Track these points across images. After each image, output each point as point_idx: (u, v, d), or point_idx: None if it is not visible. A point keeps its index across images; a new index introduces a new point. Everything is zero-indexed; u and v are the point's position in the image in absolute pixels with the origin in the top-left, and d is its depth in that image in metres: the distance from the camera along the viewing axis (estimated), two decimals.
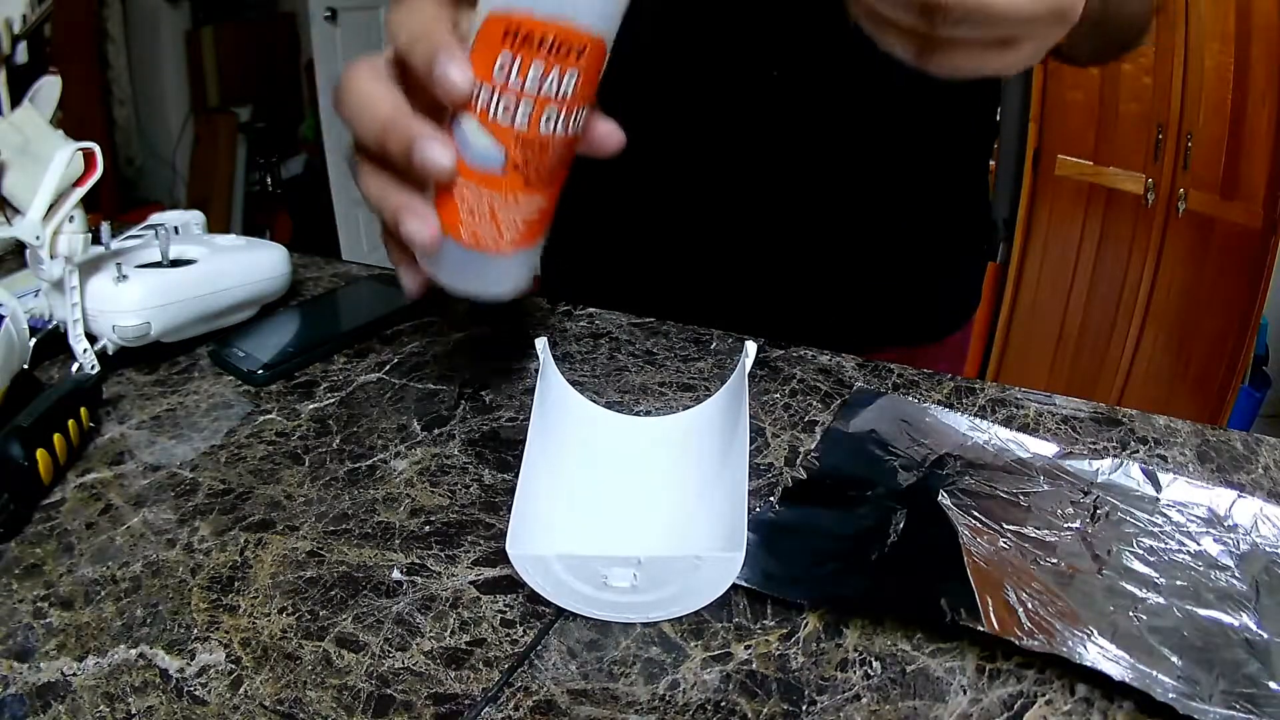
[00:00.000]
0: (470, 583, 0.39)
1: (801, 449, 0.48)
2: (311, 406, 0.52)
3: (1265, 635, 0.35)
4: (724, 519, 0.40)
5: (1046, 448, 0.47)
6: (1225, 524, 0.42)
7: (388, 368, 0.57)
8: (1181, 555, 0.40)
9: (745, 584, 0.37)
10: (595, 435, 0.48)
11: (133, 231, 0.63)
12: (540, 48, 0.37)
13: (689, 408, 0.50)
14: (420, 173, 0.39)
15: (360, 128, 0.41)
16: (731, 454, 0.43)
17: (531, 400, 0.45)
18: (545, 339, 0.47)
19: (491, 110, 0.38)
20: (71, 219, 0.52)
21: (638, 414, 0.51)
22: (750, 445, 0.44)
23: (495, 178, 0.40)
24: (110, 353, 0.55)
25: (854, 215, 0.66)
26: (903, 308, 0.70)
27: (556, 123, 0.39)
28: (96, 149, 0.53)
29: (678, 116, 0.66)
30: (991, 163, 2.00)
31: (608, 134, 0.43)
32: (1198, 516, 0.42)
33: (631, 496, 0.44)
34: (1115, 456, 0.47)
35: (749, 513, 0.41)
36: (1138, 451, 0.48)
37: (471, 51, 0.38)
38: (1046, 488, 0.44)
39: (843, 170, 0.64)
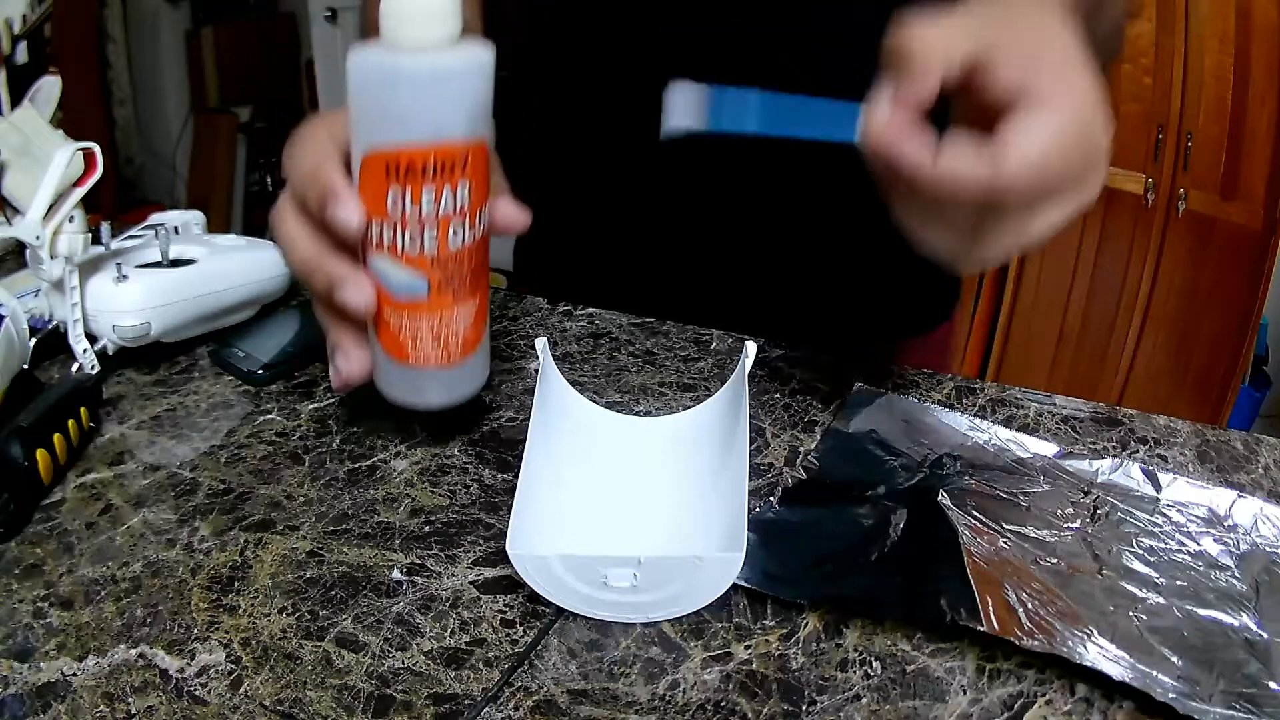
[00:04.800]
0: (470, 583, 0.39)
1: (801, 449, 0.48)
2: (311, 406, 0.52)
3: (1265, 635, 0.35)
4: (724, 519, 0.40)
5: (1046, 448, 0.47)
6: (1225, 524, 0.42)
7: None
8: (1181, 555, 0.40)
9: (745, 584, 0.37)
10: (595, 435, 0.48)
11: (133, 231, 0.63)
12: (425, 174, 0.37)
13: (689, 408, 0.50)
14: (345, 311, 0.41)
15: (291, 264, 0.43)
16: (731, 454, 0.43)
17: (531, 400, 0.45)
18: (545, 339, 0.47)
19: (400, 245, 0.39)
20: (71, 219, 0.52)
21: (638, 414, 0.51)
22: (750, 445, 0.44)
23: (423, 303, 0.40)
24: (110, 353, 0.55)
25: (847, 210, 0.66)
26: (892, 298, 0.71)
27: (464, 234, 0.39)
28: (96, 149, 0.53)
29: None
30: None
31: (514, 219, 0.44)
32: (1198, 516, 0.42)
33: (631, 496, 0.44)
34: (1115, 456, 0.47)
35: (749, 513, 0.41)
36: (1138, 451, 0.48)
37: (360, 187, 0.38)
38: (1046, 488, 0.44)
39: (836, 168, 0.64)
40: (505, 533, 0.38)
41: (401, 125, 0.37)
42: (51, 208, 0.51)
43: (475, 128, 0.38)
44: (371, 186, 0.38)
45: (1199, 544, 0.40)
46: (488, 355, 0.46)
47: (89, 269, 0.54)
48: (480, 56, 0.39)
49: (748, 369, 0.45)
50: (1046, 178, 0.34)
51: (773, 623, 0.36)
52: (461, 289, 0.41)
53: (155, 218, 0.66)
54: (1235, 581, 0.38)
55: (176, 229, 0.64)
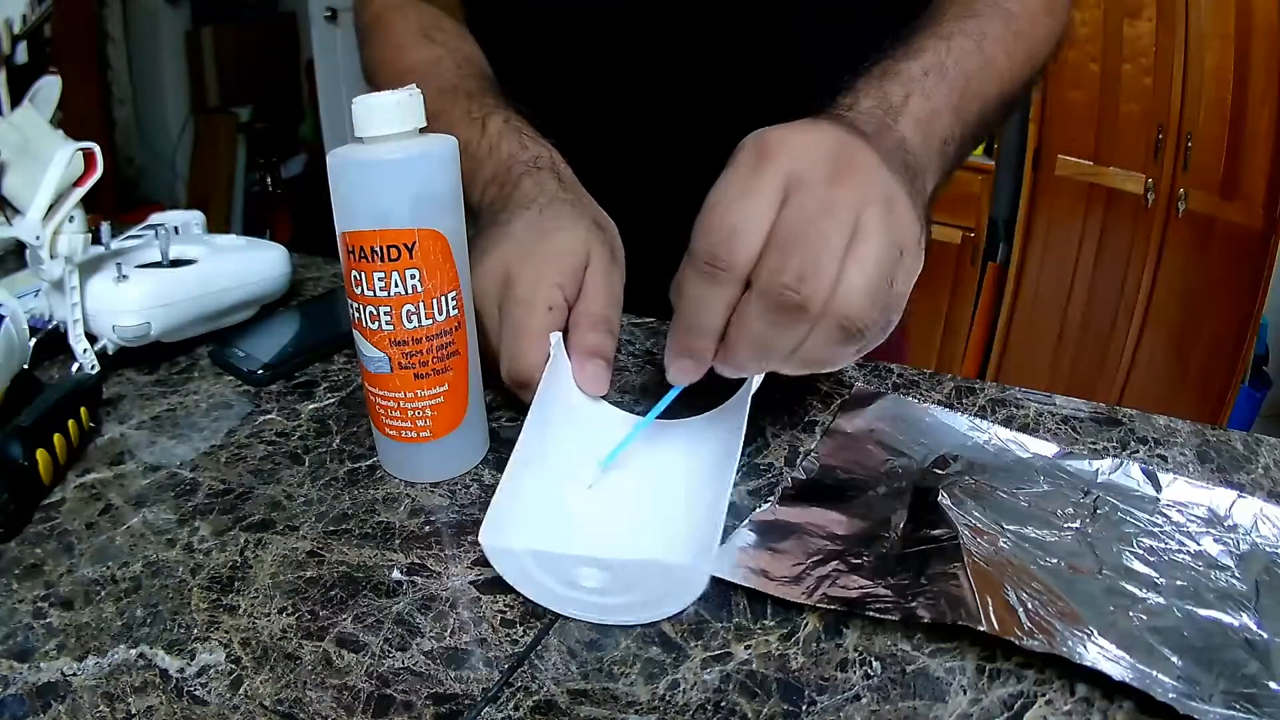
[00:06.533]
0: (470, 583, 0.39)
1: (801, 449, 0.48)
2: (311, 406, 0.52)
3: (1265, 635, 0.35)
4: (700, 528, 0.40)
5: (1046, 448, 0.47)
6: (1225, 524, 0.42)
7: None
8: (1181, 555, 0.40)
9: (744, 583, 0.37)
10: (593, 433, 0.47)
11: (133, 231, 0.63)
12: (375, 257, 0.41)
13: (688, 408, 0.49)
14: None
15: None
16: (722, 465, 0.43)
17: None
18: (560, 334, 0.47)
19: (363, 322, 0.42)
20: (71, 219, 0.52)
21: (638, 414, 0.51)
22: (750, 445, 0.44)
23: (388, 377, 0.43)
24: (110, 353, 0.55)
25: None
26: None
27: (420, 317, 0.42)
28: (96, 149, 0.53)
29: (683, 119, 0.66)
30: (991, 162, 2.00)
31: (590, 380, 0.48)
32: (1198, 516, 0.42)
33: (614, 496, 0.44)
34: (1115, 456, 0.47)
35: (748, 512, 0.41)
36: (1138, 451, 0.48)
37: (343, 267, 0.42)
38: (1046, 488, 0.44)
39: None
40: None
41: (353, 210, 0.41)
42: (51, 208, 0.51)
43: (423, 215, 0.41)
44: (345, 268, 0.42)
45: (1199, 544, 0.40)
46: (481, 436, 0.48)
47: (89, 269, 0.55)
48: (426, 149, 0.41)
49: (754, 387, 0.45)
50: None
51: (773, 623, 0.36)
52: (424, 370, 0.43)
53: (155, 218, 0.66)
54: (1235, 581, 0.38)
55: (176, 229, 0.64)
